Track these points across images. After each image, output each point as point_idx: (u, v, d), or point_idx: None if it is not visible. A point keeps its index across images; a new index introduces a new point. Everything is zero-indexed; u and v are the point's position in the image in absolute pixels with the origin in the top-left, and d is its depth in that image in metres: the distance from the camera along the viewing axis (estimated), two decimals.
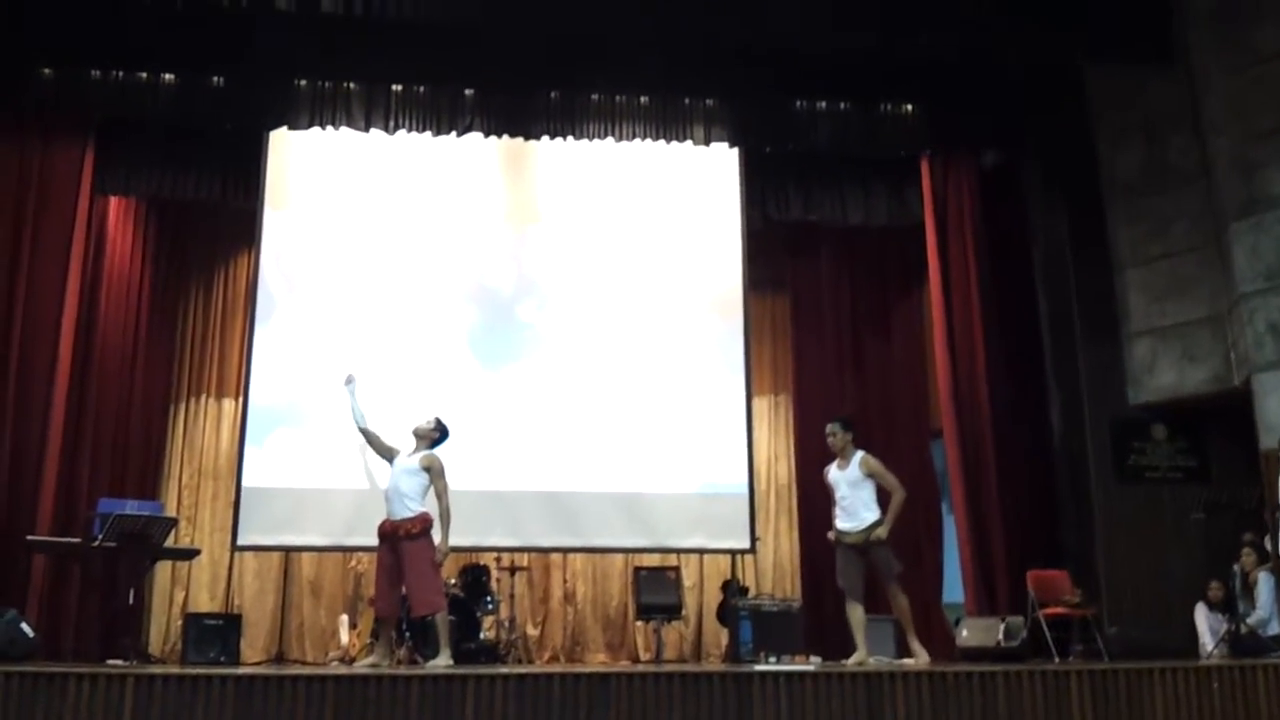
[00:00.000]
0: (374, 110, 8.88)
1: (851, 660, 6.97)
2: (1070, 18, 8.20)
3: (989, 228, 9.30)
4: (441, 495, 6.96)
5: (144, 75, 8.73)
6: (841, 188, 9.67)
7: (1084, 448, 8.58)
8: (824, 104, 9.23)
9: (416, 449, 7.10)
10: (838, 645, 7.71)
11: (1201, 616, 7.82)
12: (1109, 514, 8.34)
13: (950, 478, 9.10)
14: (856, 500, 7.24)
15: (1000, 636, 7.88)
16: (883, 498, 7.23)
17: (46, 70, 8.64)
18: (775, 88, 9.08)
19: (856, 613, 7.18)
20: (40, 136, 8.65)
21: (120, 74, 8.72)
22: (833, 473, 7.44)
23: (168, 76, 8.75)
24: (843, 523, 7.29)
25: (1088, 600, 7.94)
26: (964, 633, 8.23)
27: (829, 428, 7.56)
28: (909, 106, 9.36)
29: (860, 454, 7.35)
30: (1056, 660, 7.46)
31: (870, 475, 7.26)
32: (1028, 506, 8.84)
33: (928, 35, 8.24)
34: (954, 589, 9.24)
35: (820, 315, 10.04)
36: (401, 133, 8.91)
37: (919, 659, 7.04)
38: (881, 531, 7.11)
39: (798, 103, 9.23)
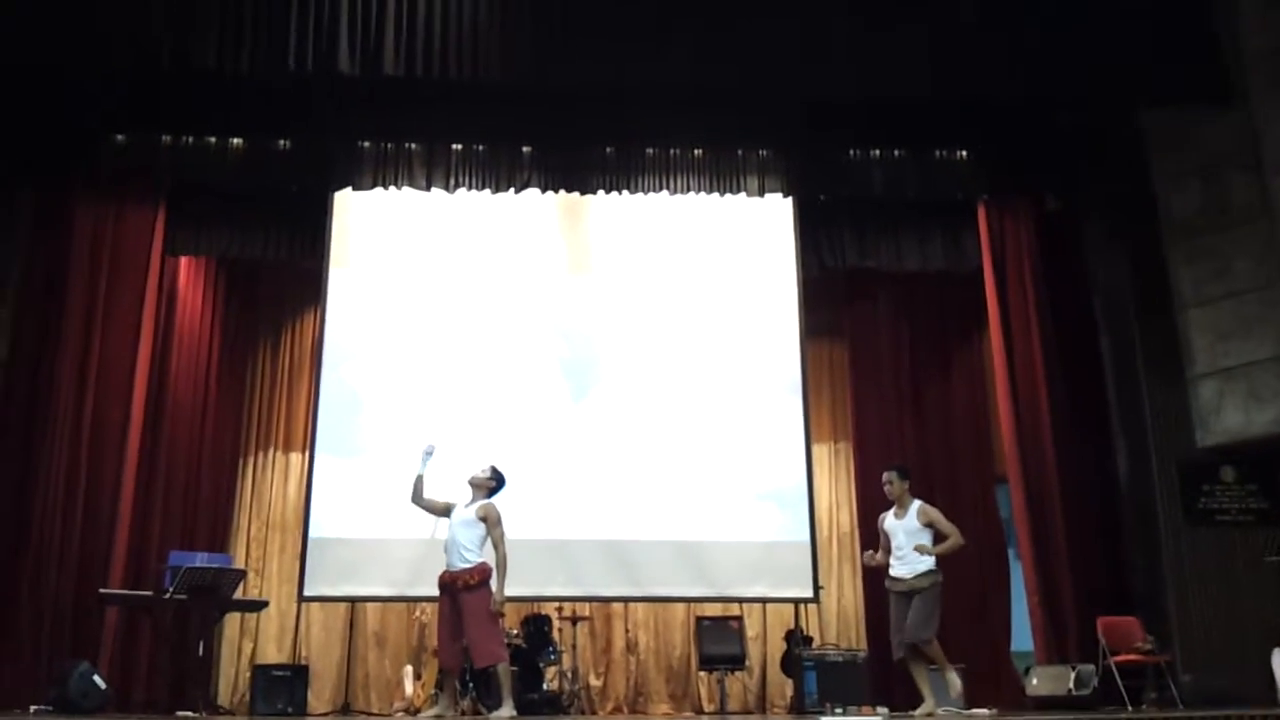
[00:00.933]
0: (434, 169, 9.08)
1: (919, 712, 6.89)
2: (1126, 62, 8.20)
3: (1048, 270, 9.26)
4: (498, 544, 7.03)
5: (213, 140, 9.00)
6: (897, 233, 9.67)
7: (1152, 491, 8.44)
8: (877, 151, 9.26)
9: (473, 499, 7.18)
10: (904, 696, 7.62)
11: (1278, 662, 7.62)
12: (1179, 558, 8.18)
13: (1016, 524, 9.00)
14: (912, 549, 7.21)
15: (1071, 685, 7.75)
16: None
17: (119, 136, 8.93)
18: (828, 137, 9.14)
19: (917, 667, 7.10)
20: (114, 200, 8.95)
21: (190, 139, 8.99)
22: (889, 521, 7.42)
23: (236, 141, 9.02)
24: (897, 570, 7.25)
25: (1160, 647, 7.78)
26: (1034, 681, 8.10)
27: (886, 476, 7.55)
28: (963, 152, 9.37)
29: (918, 503, 7.35)
30: (1129, 709, 7.31)
31: (929, 525, 7.25)
32: (1096, 552, 8.70)
33: (981, 83, 8.28)
34: (1022, 637, 9.09)
35: (879, 361, 10.02)
36: (461, 190, 9.09)
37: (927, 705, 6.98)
38: (922, 582, 7.10)
39: (851, 151, 9.27)
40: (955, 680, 7.15)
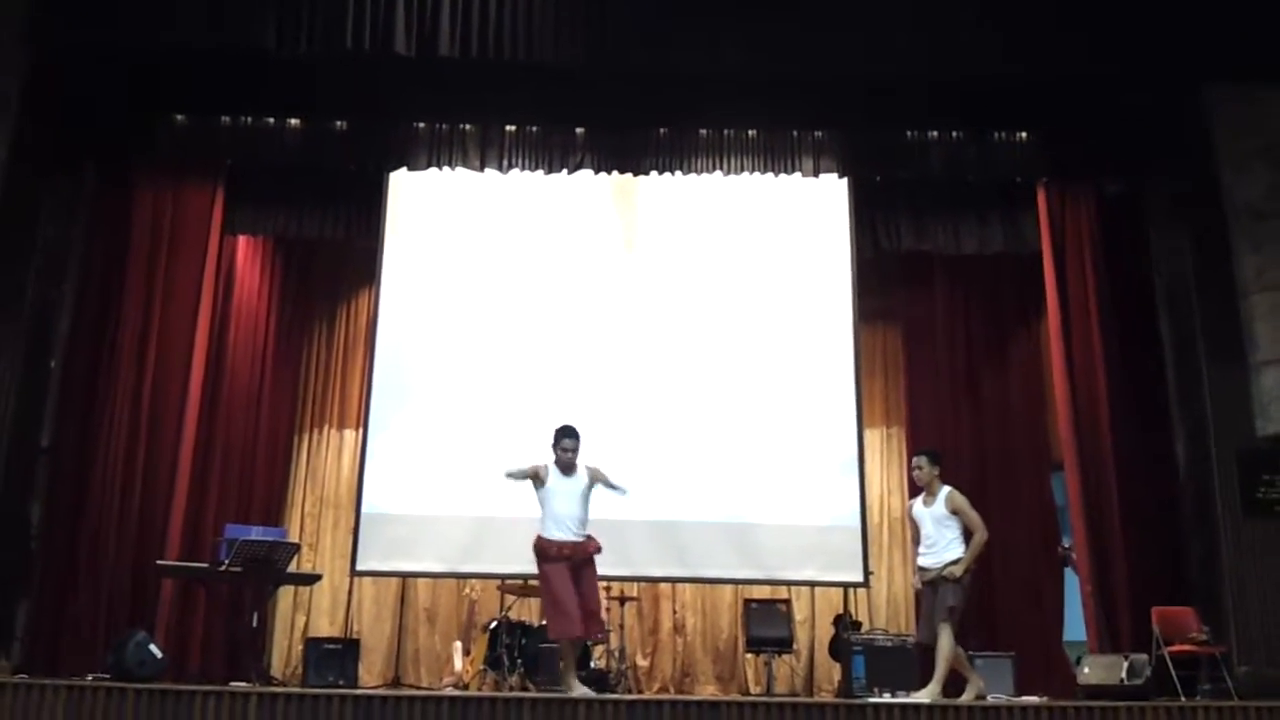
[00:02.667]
0: (488, 150, 9.09)
1: (966, 695, 6.82)
2: (1191, 41, 8.02)
3: (1109, 255, 9.07)
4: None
5: (271, 120, 9.09)
6: (954, 215, 9.52)
7: (1210, 480, 8.26)
8: (935, 132, 9.12)
9: (575, 471, 7.14)
10: (952, 682, 7.54)
11: None
12: (1237, 548, 7.99)
13: (1071, 512, 8.86)
14: (940, 537, 7.12)
15: (1124, 674, 7.61)
16: (969, 537, 7.10)
17: (179, 117, 9.06)
18: (885, 117, 9.01)
19: (946, 650, 6.97)
20: (173, 180, 9.09)
21: (249, 120, 9.10)
22: (917, 508, 7.32)
23: (293, 121, 9.10)
24: (925, 559, 7.17)
25: (1215, 638, 7.64)
26: (1086, 670, 7.98)
27: (915, 460, 7.45)
28: (1023, 134, 9.20)
29: (947, 489, 7.22)
30: (1183, 699, 7.19)
31: (955, 512, 7.12)
32: (1152, 541, 8.53)
33: (1043, 61, 8.15)
34: (1075, 627, 8.98)
35: (933, 346, 9.91)
36: (515, 171, 9.12)
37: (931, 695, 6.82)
38: (956, 569, 6.97)
39: (908, 132, 9.14)
40: (937, 693, 6.94)
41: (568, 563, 6.89)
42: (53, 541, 8.29)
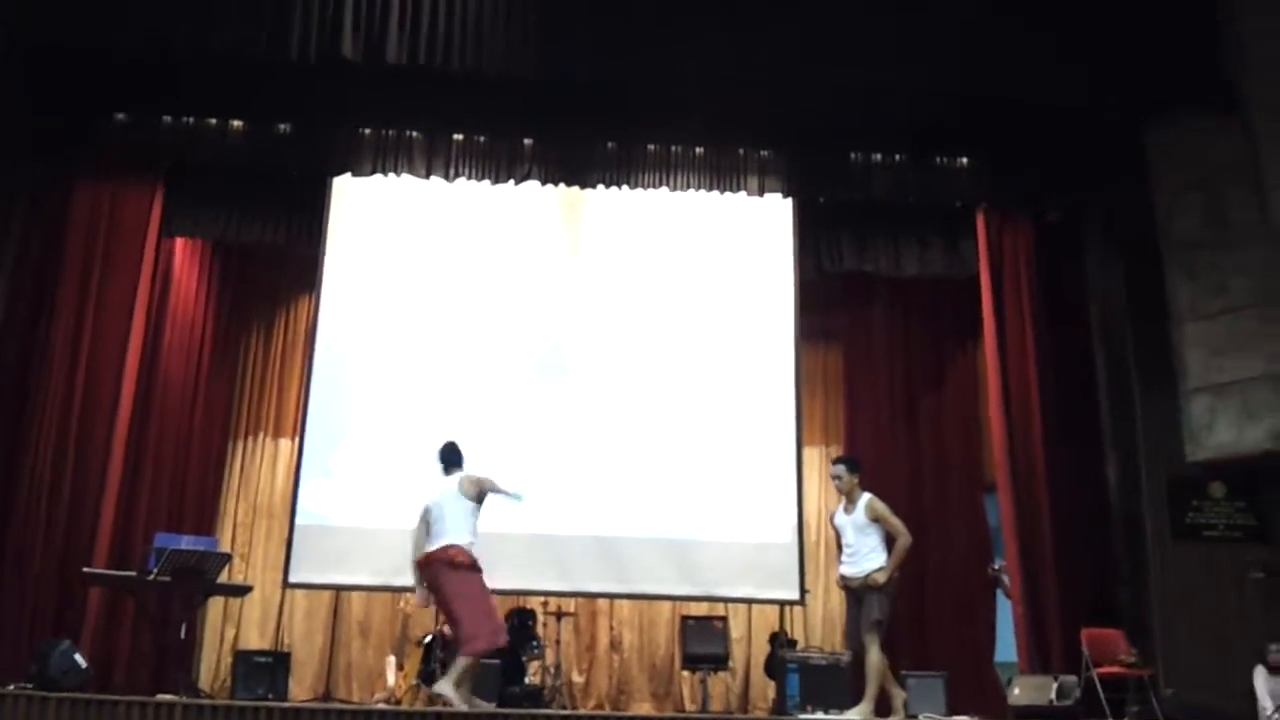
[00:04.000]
0: (435, 158, 9.03)
1: (853, 712, 6.84)
2: (1129, 73, 8.20)
3: (1046, 281, 9.24)
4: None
5: (213, 121, 8.96)
6: (896, 238, 9.63)
7: (1140, 504, 8.44)
8: (879, 155, 9.24)
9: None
10: (884, 704, 7.58)
11: (1261, 680, 7.60)
12: (1165, 573, 8.17)
13: (1004, 533, 8.98)
14: (861, 545, 7.07)
15: (1053, 695, 7.72)
16: (891, 545, 7.09)
17: (119, 115, 8.90)
18: (829, 139, 9.12)
19: (876, 665, 6.97)
20: (112, 178, 8.92)
21: (190, 120, 8.95)
22: (839, 516, 7.28)
23: (236, 123, 8.98)
24: (846, 568, 7.15)
25: (1144, 660, 7.77)
26: (1016, 691, 8.08)
27: (834, 469, 7.39)
28: (965, 159, 9.36)
29: (867, 497, 7.17)
30: None
31: (876, 519, 7.09)
32: (1083, 563, 8.68)
33: (983, 85, 8.28)
34: (1006, 647, 9.09)
35: (873, 366, 10.01)
36: (460, 180, 9.06)
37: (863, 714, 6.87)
38: (880, 576, 6.93)
39: (852, 154, 9.25)
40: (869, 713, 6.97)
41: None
42: None
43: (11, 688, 6.38)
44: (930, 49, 8.14)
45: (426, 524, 6.87)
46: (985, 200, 9.35)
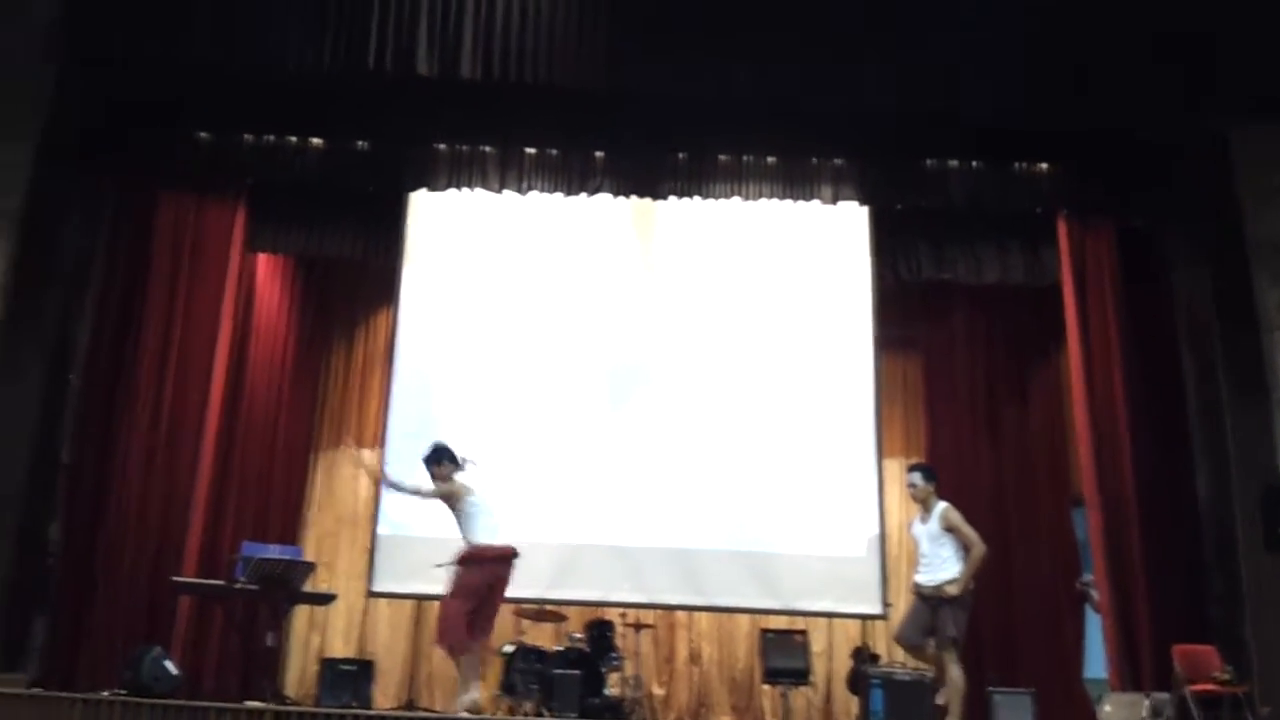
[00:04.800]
0: (508, 172, 9.08)
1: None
2: (1214, 77, 8.00)
3: (1130, 288, 9.01)
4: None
5: (293, 139, 9.11)
6: (975, 245, 9.47)
7: (1232, 516, 8.16)
8: (956, 162, 9.10)
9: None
10: (974, 717, 7.44)
11: None
12: (1259, 586, 7.88)
13: (1092, 547, 8.77)
14: (936, 555, 6.99)
15: (1145, 713, 7.50)
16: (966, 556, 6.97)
17: (203, 134, 9.10)
18: (905, 146, 9.01)
19: (922, 657, 6.94)
20: (196, 197, 9.13)
21: (271, 138, 9.12)
22: (915, 526, 7.23)
23: (315, 140, 9.13)
24: (920, 576, 7.06)
25: (1238, 677, 7.52)
26: (1106, 708, 7.87)
27: (909, 476, 7.34)
28: (1044, 165, 9.18)
29: (942, 506, 7.08)
30: None
31: (950, 529, 6.98)
32: (1174, 577, 8.43)
33: (1066, 100, 8.15)
34: (1096, 663, 8.87)
35: (954, 376, 9.86)
36: (534, 193, 9.12)
37: None
38: (952, 588, 6.82)
39: (928, 161, 9.13)
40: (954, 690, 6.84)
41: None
42: (71, 557, 8.28)
43: (105, 694, 6.54)
44: (1009, 54, 8.02)
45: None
46: (1066, 206, 9.15)
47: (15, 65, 8.04)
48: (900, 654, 9.70)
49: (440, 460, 7.06)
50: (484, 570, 6.89)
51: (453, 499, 7.03)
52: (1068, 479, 9.55)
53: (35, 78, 8.11)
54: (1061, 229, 9.14)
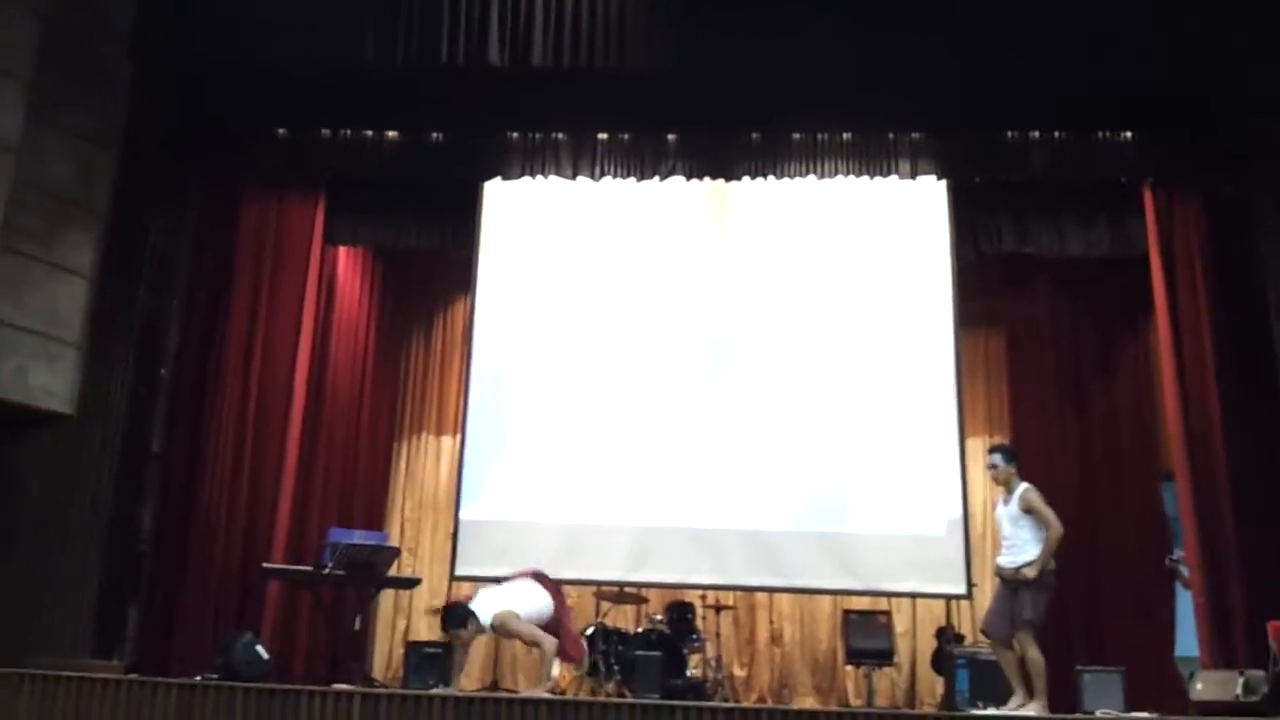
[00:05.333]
0: (580, 158, 9.11)
1: (1010, 705, 6.59)
2: None
3: (1219, 258, 8.72)
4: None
5: (369, 133, 9.26)
6: (1058, 217, 9.26)
7: None
8: (1037, 133, 8.90)
9: None
10: (1061, 698, 7.32)
11: None
12: None
13: (1182, 522, 8.55)
14: (1016, 537, 6.85)
15: (1239, 690, 7.29)
16: None
17: (281, 131, 9.29)
18: (985, 118, 8.84)
19: (1005, 657, 6.79)
20: (276, 193, 9.34)
21: (348, 132, 9.28)
22: (998, 508, 7.09)
23: (391, 133, 9.26)
24: (1001, 559, 6.93)
25: None
26: (1199, 686, 7.67)
27: (989, 459, 7.21)
28: (1128, 134, 8.94)
29: (1023, 487, 6.94)
30: None
31: (1028, 510, 6.85)
32: (1266, 552, 8.18)
33: (1147, 69, 7.94)
34: (1187, 641, 8.67)
35: (1038, 351, 9.67)
36: (607, 179, 9.13)
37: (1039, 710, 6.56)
38: (1029, 571, 6.69)
39: (1008, 133, 8.95)
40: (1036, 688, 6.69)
41: None
42: (162, 545, 8.54)
43: (198, 679, 6.72)
44: (1092, 19, 7.82)
45: None
46: (1152, 175, 8.91)
47: (97, 70, 8.27)
48: None
49: (464, 623, 7.01)
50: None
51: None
52: (1157, 453, 9.32)
53: (117, 81, 8.34)
54: (1148, 198, 8.91)
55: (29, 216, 7.85)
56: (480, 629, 6.92)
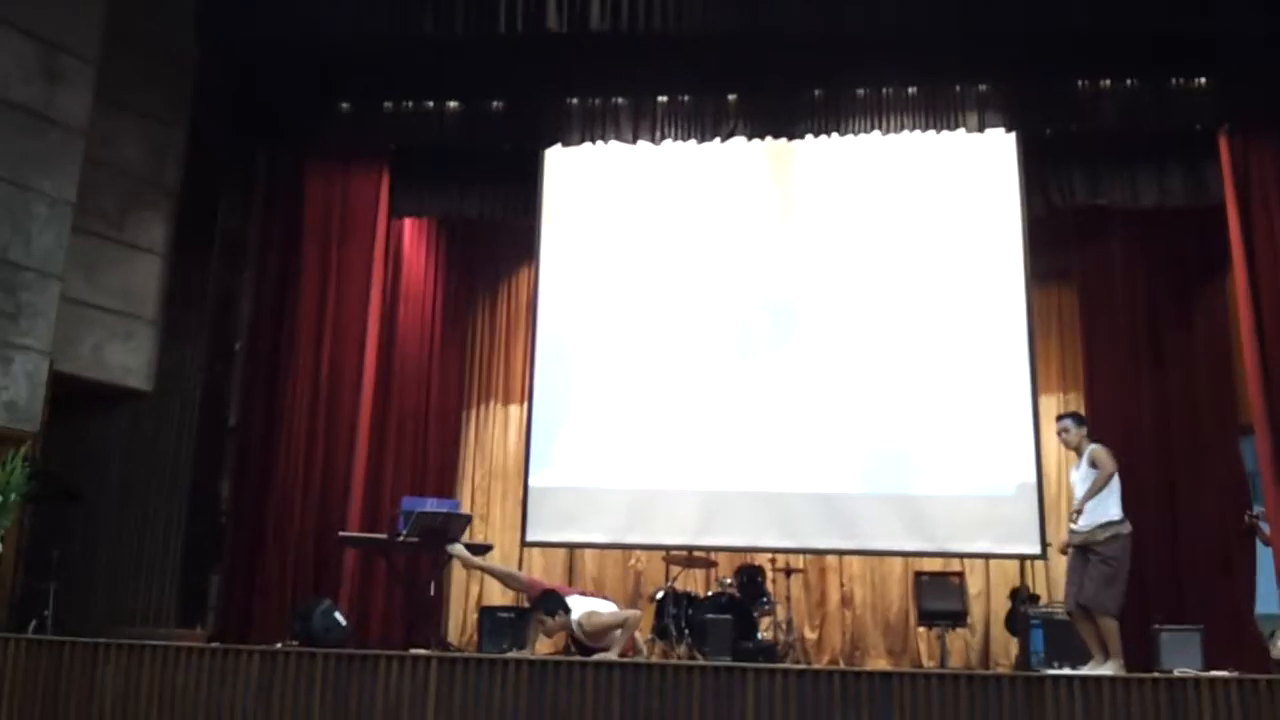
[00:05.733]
0: (640, 122, 9.07)
1: (1107, 667, 6.46)
2: None
3: None
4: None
5: (430, 104, 9.30)
6: (1132, 167, 8.99)
7: None
8: (1108, 81, 8.66)
9: None
10: (1138, 657, 7.22)
11: None
12: None
13: (1263, 478, 8.34)
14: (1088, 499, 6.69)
15: None
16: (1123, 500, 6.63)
17: (344, 105, 9.37)
18: (1053, 67, 8.61)
19: (1083, 625, 6.61)
20: (341, 167, 9.42)
21: (410, 105, 9.33)
22: (1071, 474, 6.95)
23: (452, 104, 9.29)
24: (1075, 521, 6.74)
25: None
26: (1279, 644, 7.55)
27: (1059, 424, 7.04)
28: (1202, 80, 8.67)
29: (1091, 447, 6.78)
30: None
31: (1094, 465, 6.68)
32: None
33: (1220, 9, 7.68)
34: (1268, 599, 8.49)
35: (1112, 306, 9.43)
36: (667, 142, 9.07)
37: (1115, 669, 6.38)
38: (1100, 533, 6.49)
39: (1079, 81, 8.71)
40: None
41: None
42: (241, 516, 8.75)
43: (279, 645, 6.87)
44: None
45: None
46: (1228, 121, 8.62)
47: (163, 51, 8.41)
48: (1061, 593, 9.49)
49: (555, 613, 7.01)
50: None
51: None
52: (1235, 408, 9.07)
53: (182, 62, 8.47)
54: (1223, 145, 8.62)
55: (101, 197, 8.03)
56: (566, 623, 6.96)
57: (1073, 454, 7.06)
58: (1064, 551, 7.04)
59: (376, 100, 9.35)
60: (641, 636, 8.77)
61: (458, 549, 7.68)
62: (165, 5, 8.38)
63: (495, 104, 9.26)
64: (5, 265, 7.05)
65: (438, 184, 9.81)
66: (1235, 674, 6.53)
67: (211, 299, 8.59)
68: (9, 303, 7.04)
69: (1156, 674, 6.49)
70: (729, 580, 8.60)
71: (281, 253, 9.22)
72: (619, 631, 6.92)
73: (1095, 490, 6.61)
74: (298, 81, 8.99)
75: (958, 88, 8.81)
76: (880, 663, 9.54)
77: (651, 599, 8.73)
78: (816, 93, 8.89)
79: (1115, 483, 6.66)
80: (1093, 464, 6.72)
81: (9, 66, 7.16)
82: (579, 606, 7.01)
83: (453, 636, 9.78)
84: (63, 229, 7.39)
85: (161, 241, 8.41)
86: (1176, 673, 6.54)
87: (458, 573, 10.06)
